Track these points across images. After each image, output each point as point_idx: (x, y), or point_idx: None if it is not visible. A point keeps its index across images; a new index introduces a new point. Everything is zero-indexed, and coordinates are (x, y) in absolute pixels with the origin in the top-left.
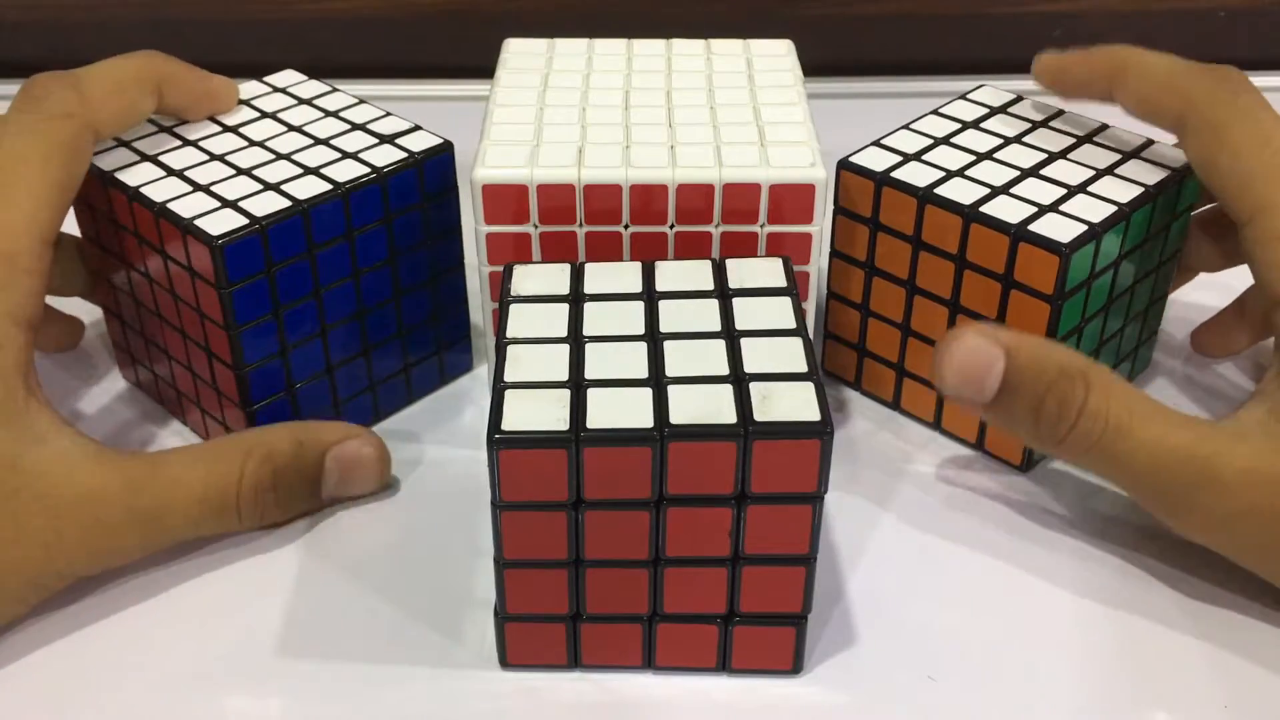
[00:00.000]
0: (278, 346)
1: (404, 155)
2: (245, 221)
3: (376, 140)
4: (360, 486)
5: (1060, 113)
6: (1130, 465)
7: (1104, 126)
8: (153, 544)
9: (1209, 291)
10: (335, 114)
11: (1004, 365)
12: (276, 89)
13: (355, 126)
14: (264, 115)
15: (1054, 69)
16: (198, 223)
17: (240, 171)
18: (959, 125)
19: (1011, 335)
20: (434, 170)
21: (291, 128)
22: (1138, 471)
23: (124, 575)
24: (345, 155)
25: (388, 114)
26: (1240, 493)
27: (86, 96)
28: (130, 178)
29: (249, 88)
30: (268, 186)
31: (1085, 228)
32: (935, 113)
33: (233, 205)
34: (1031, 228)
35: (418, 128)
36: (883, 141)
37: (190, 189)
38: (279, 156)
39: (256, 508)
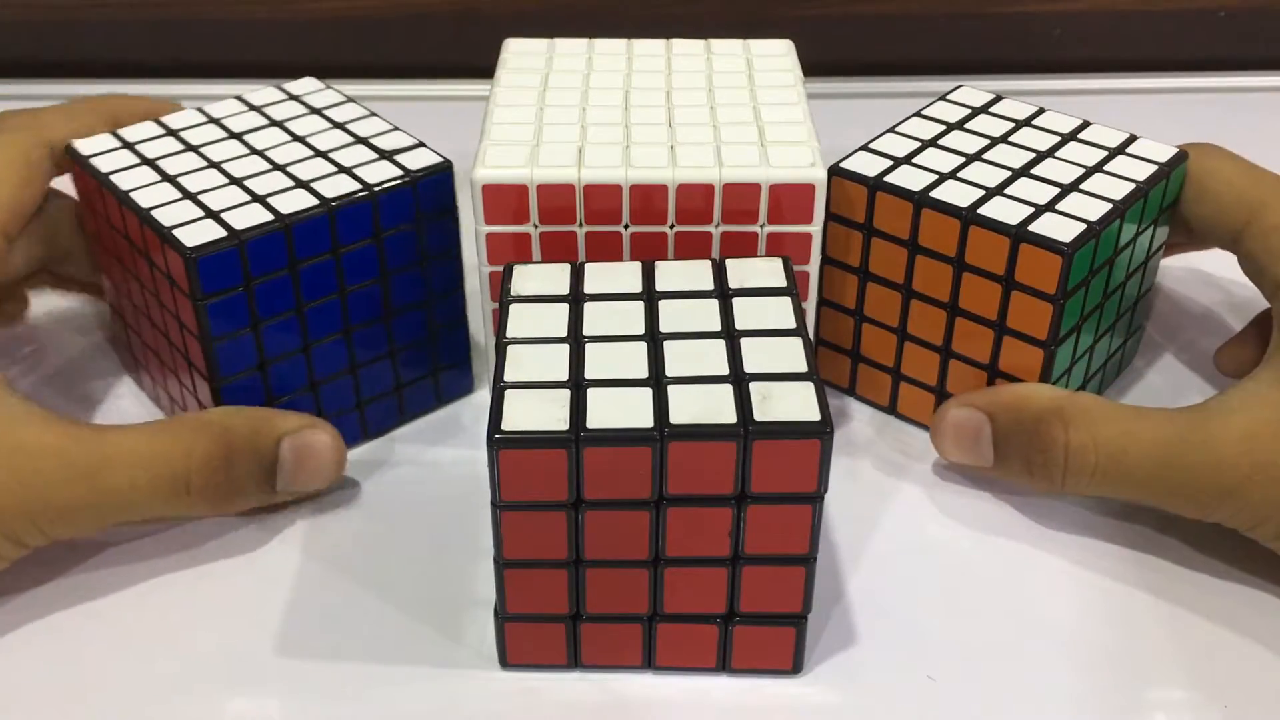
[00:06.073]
0: (256, 360)
1: (399, 173)
2: (223, 234)
3: (375, 155)
4: (314, 479)
5: (1041, 111)
6: (1135, 478)
7: (1086, 124)
8: (96, 509)
9: (1193, 289)
10: (342, 125)
11: (989, 428)
12: (291, 96)
13: (358, 140)
14: (271, 123)
15: None
16: (176, 232)
17: (232, 181)
18: (944, 127)
19: (989, 396)
20: (430, 189)
21: (295, 137)
22: (1144, 481)
23: (124, 575)
24: (340, 170)
25: (395, 128)
26: (1240, 460)
27: (40, 119)
28: (124, 181)
29: (264, 94)
30: (255, 198)
31: (1084, 226)
32: (919, 115)
33: (215, 216)
34: (1031, 228)
35: (421, 144)
36: (871, 146)
37: (179, 196)
38: (274, 167)
39: (208, 485)
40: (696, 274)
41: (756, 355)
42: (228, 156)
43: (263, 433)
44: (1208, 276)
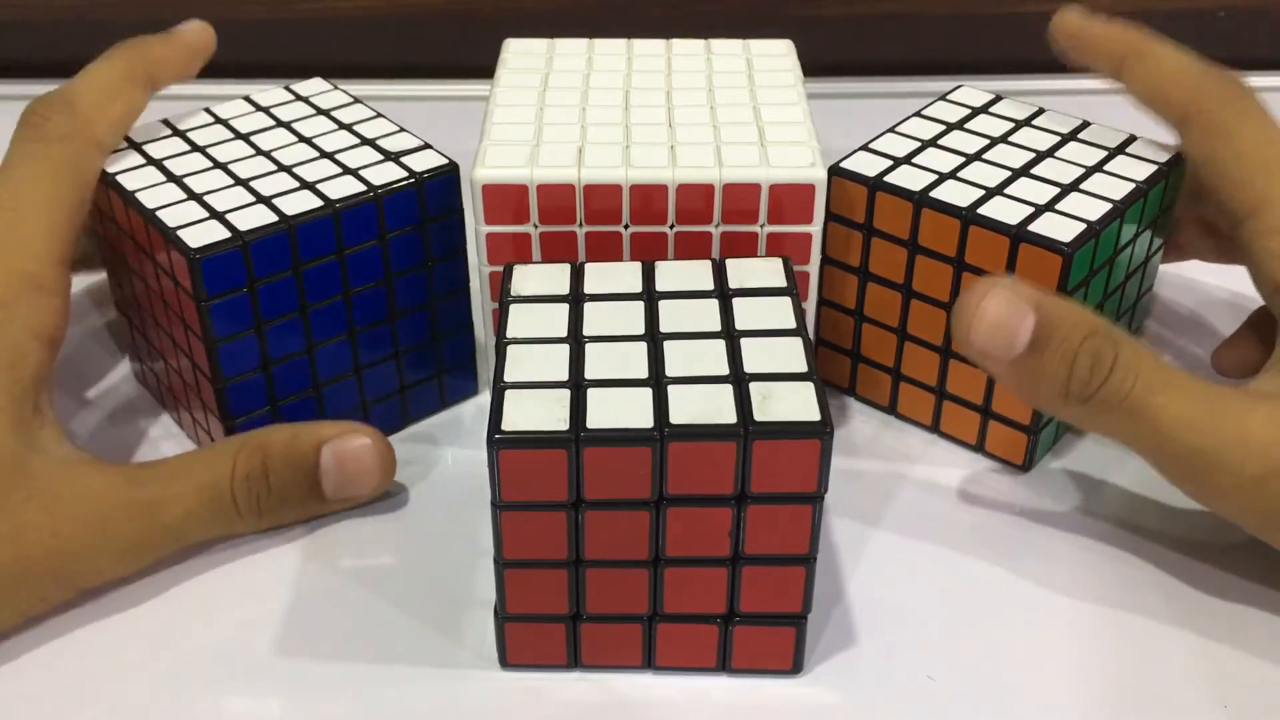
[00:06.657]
0: (259, 361)
1: (404, 174)
2: (227, 235)
3: (381, 157)
4: (361, 486)
5: (1041, 111)
6: (1157, 424)
7: (1086, 124)
8: (154, 543)
9: (1191, 291)
10: (348, 127)
11: (1035, 319)
12: (298, 97)
13: (364, 141)
14: (278, 124)
15: (1072, 31)
16: (180, 233)
17: (238, 182)
18: (944, 127)
19: (1033, 289)
20: (436, 191)
21: (301, 138)
22: (1163, 431)
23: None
24: (345, 171)
25: (401, 130)
26: (1266, 453)
27: (82, 114)
28: (130, 181)
29: (271, 95)
30: (260, 199)
31: (1084, 226)
32: (919, 115)
33: (219, 217)
34: (1031, 228)
35: (427, 146)
36: (871, 146)
37: (184, 197)
38: (280, 168)
39: (251, 500)
40: (696, 274)
41: (756, 355)
42: (234, 157)
43: (300, 441)
44: (1207, 277)
